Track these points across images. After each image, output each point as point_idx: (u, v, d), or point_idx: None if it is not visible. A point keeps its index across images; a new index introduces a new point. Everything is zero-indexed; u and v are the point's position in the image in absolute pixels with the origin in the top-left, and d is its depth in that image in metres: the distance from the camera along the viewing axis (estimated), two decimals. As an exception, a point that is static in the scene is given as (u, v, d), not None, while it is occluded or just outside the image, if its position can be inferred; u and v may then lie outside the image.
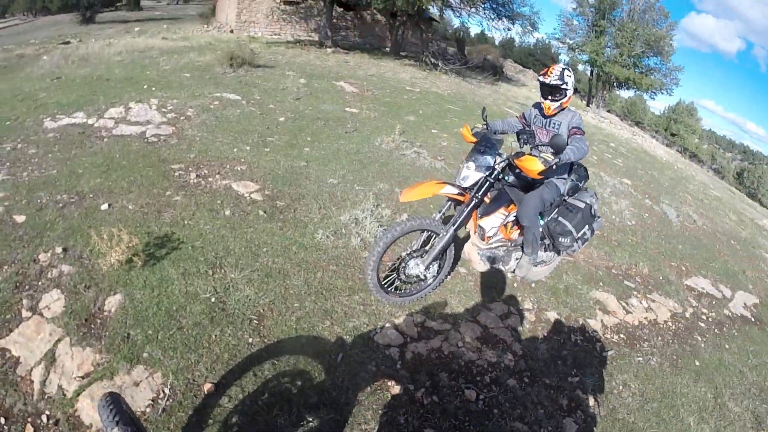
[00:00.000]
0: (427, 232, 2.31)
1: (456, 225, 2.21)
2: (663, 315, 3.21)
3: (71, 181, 3.45)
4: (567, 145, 2.03)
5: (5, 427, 1.85)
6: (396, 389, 2.04)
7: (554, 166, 1.98)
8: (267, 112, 5.23)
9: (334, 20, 12.71)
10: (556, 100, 2.24)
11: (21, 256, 2.66)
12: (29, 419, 1.83)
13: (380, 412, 1.91)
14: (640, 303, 3.20)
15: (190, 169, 3.72)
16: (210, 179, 3.58)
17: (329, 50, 10.48)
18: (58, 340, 2.21)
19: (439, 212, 2.40)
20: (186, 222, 2.97)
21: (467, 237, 2.88)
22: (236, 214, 3.13)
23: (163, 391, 1.95)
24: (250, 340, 2.14)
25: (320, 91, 6.35)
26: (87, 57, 8.53)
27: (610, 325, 2.88)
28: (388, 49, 13.09)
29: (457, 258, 2.74)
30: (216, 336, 2.19)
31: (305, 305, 2.34)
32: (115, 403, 0.73)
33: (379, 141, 4.59)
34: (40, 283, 2.49)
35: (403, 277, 2.33)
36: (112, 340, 2.15)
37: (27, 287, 2.48)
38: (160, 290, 2.42)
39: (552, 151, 2.09)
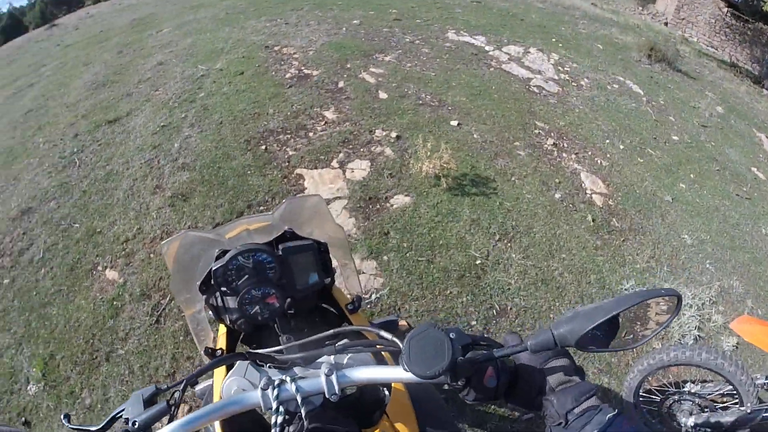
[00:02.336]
0: (733, 387, 2.35)
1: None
2: None
3: (440, 88, 5.48)
4: None
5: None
6: None
7: None
8: (662, 123, 6.33)
9: (784, 59, 15.32)
10: None
11: (363, 123, 4.59)
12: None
13: None
14: None
15: (552, 134, 4.89)
16: (564, 155, 4.51)
17: (765, 91, 12.48)
18: (338, 198, 3.77)
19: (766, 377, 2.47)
20: (513, 179, 4.15)
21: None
22: (565, 202, 4.03)
23: (370, 294, 3.00)
24: (456, 323, 2.90)
25: (733, 132, 7.39)
26: (511, -8, 12.08)
27: None
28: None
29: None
30: (450, 293, 3.05)
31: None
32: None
33: (768, 229, 4.92)
34: (361, 149, 4.24)
35: (664, 409, 2.59)
36: (376, 226, 3.49)
37: (350, 146, 4.36)
38: (443, 219, 3.55)
39: None
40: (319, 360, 0.96)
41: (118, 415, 0.87)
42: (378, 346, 0.96)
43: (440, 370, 0.73)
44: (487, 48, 6.96)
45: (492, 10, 9.35)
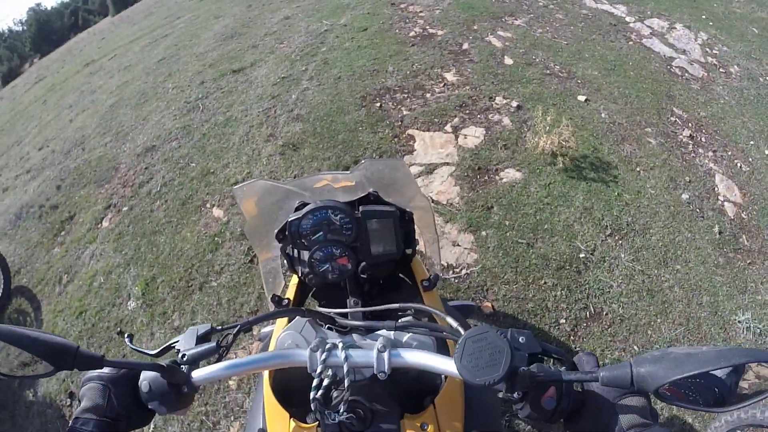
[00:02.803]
0: None
1: None
2: None
3: (571, 59, 5.10)
4: None
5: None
6: None
7: None
8: (819, 128, 5.34)
9: None
10: None
11: (484, 88, 4.52)
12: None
13: None
14: None
15: (690, 125, 4.41)
16: (700, 150, 4.11)
17: None
18: (446, 163, 3.67)
19: None
20: (638, 169, 3.74)
21: None
22: (692, 205, 3.56)
23: (461, 269, 2.91)
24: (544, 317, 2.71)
25: None
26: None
27: None
28: None
29: None
30: (545, 284, 2.85)
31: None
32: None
33: None
34: (478, 116, 4.11)
35: None
36: (480, 198, 3.37)
37: (467, 111, 4.22)
38: (553, 202, 3.33)
39: None
40: (379, 333, 0.94)
41: (172, 345, 0.90)
42: (444, 333, 0.89)
43: (493, 380, 0.66)
44: (627, 19, 6.32)
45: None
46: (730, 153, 4.18)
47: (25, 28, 47.57)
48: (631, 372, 0.64)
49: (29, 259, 4.14)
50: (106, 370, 0.82)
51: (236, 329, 0.89)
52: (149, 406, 0.83)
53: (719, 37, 6.36)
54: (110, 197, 4.32)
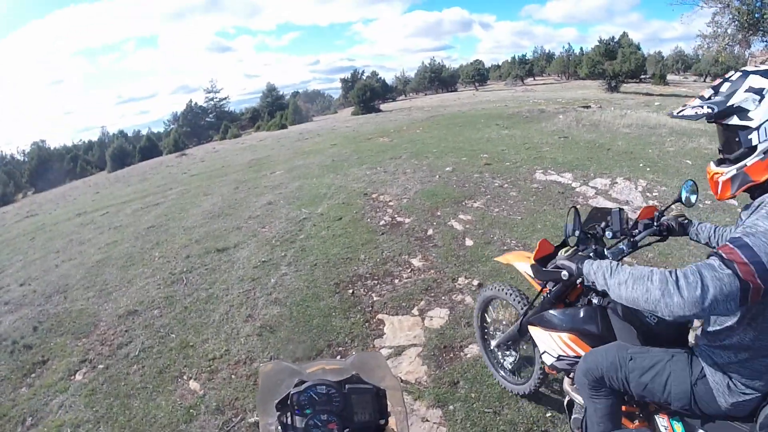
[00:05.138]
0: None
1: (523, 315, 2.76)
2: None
3: (525, 231, 5.81)
4: None
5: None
6: None
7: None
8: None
9: None
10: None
11: (447, 271, 5.08)
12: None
13: None
14: None
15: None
16: None
17: None
18: (413, 345, 4.02)
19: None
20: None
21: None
22: None
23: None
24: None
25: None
26: (597, 124, 13.20)
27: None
28: None
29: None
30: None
31: None
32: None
33: None
34: (442, 297, 4.63)
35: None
36: (446, 374, 3.66)
37: (432, 294, 4.69)
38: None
39: None
40: None
41: None
42: None
43: None
44: (573, 185, 7.29)
45: (579, 144, 9.81)
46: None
47: (26, 159, 50.80)
48: None
49: (-7, 391, 4.17)
50: None
51: None
52: None
53: (657, 179, 7.30)
54: (87, 352, 4.51)
